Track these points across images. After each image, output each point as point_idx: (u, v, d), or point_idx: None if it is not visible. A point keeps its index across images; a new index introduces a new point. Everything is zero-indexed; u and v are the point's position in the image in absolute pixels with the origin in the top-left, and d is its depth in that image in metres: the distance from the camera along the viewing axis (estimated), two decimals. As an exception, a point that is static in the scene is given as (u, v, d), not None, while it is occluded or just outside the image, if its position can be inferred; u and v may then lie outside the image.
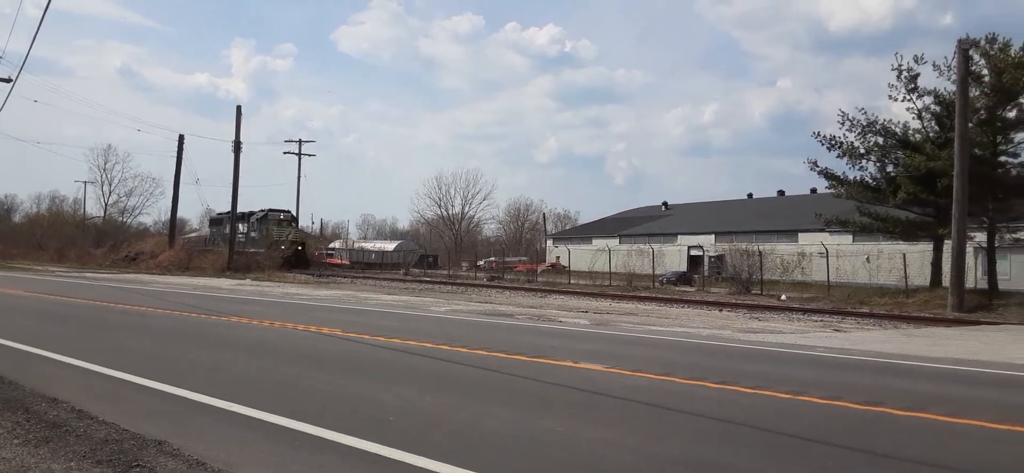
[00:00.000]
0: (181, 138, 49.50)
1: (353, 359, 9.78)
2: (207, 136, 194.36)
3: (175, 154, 49.85)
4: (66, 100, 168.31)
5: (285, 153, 65.20)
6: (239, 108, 45.40)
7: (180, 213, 66.15)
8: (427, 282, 36.30)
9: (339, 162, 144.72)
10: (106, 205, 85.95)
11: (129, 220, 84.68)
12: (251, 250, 49.04)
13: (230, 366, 8.85)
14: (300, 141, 64.60)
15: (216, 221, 57.93)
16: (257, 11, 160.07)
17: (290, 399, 6.67)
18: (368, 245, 73.30)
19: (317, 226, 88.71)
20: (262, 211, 53.11)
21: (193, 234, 68.31)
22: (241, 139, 44.65)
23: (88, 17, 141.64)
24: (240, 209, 52.39)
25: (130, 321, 14.51)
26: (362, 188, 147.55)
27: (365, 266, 58.06)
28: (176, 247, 50.39)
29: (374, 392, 7.18)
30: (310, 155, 72.69)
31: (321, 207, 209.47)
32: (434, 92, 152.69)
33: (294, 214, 54.85)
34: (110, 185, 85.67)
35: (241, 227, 51.64)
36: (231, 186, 45.40)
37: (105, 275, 36.98)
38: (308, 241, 55.48)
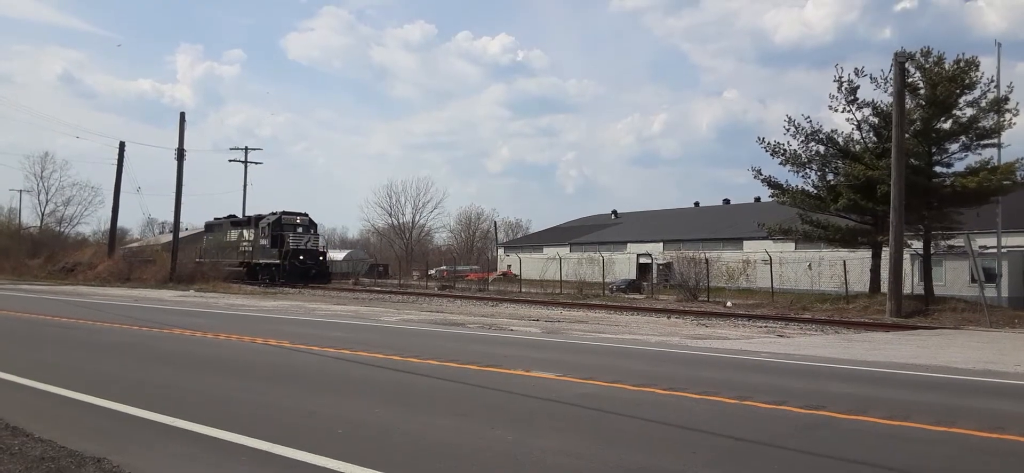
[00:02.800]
0: (121, 145, 48.03)
1: (301, 371, 9.64)
2: (151, 144, 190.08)
3: (115, 162, 48.42)
4: (2, 106, 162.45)
5: (231, 161, 64.00)
6: (182, 115, 44.26)
7: (121, 222, 64.27)
8: (377, 292, 35.99)
9: (287, 170, 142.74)
10: (43, 214, 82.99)
11: (67, 230, 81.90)
12: (263, 261, 42.06)
13: (174, 380, 8.63)
14: (246, 149, 63.34)
15: (214, 227, 50.07)
16: (204, 16, 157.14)
17: (236, 413, 6.54)
18: (317, 254, 72.32)
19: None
20: (274, 214, 44.68)
21: (134, 244, 66.54)
22: (186, 146, 43.51)
23: (27, 22, 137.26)
24: (250, 212, 46.03)
25: (69, 335, 14.05)
26: (311, 197, 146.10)
27: (314, 276, 57.26)
28: (116, 257, 48.83)
29: (323, 404, 7.09)
30: (257, 163, 71.47)
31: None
32: (386, 100, 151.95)
33: (310, 218, 45.82)
34: (47, 194, 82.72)
35: (245, 233, 45.18)
36: (174, 195, 43.88)
37: (42, 287, 35.74)
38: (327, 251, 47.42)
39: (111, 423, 6.13)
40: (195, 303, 25.19)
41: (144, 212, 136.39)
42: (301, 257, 41.49)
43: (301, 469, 4.78)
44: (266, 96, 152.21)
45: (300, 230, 43.22)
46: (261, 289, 38.26)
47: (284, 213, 44.25)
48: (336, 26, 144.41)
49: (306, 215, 45.27)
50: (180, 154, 43.09)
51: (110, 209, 50.10)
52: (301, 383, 8.49)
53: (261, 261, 42.42)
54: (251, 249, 43.86)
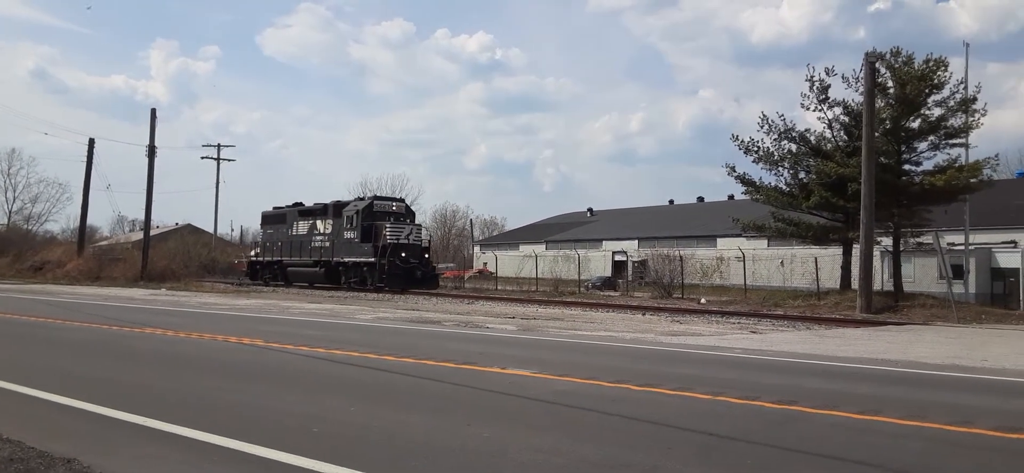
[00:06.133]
0: (91, 142, 47.29)
1: (276, 370, 9.56)
2: (124, 140, 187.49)
3: (85, 159, 47.61)
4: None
5: (203, 158, 63.29)
6: (153, 111, 43.62)
7: (90, 220, 63.46)
8: (353, 289, 35.68)
9: (263, 168, 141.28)
10: (10, 212, 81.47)
11: (35, 228, 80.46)
12: (348, 259, 34.87)
13: (147, 379, 8.52)
14: (218, 146, 62.81)
15: (273, 218, 42.11)
16: (180, 12, 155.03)
17: (210, 412, 6.47)
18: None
19: (236, 233, 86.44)
20: (364, 200, 36.82)
21: (103, 242, 65.56)
22: (158, 144, 42.85)
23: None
24: (329, 199, 38.28)
25: (38, 334, 13.81)
26: (286, 194, 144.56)
27: (288, 274, 56.65)
28: (86, 256, 48.03)
29: (298, 403, 7.04)
30: (230, 160, 70.68)
31: (242, 214, 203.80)
32: (363, 98, 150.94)
33: (409, 205, 37.61)
34: (14, 191, 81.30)
35: (320, 225, 37.44)
36: (145, 192, 43.20)
37: (9, 286, 35.07)
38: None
39: (82, 423, 6.04)
40: (167, 302, 24.89)
41: (114, 210, 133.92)
42: (403, 254, 33.38)
43: (276, 469, 4.74)
44: (242, 93, 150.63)
45: (397, 220, 35.09)
46: (234, 287, 37.27)
47: (376, 198, 36.60)
48: (314, 23, 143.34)
49: (403, 201, 37.77)
50: (151, 151, 42.53)
51: (79, 207, 49.35)
52: (275, 382, 8.43)
53: (346, 259, 35.07)
54: (330, 245, 36.27)
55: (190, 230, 69.10)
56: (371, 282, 33.21)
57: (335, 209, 36.72)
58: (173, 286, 36.06)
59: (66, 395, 6.94)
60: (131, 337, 13.32)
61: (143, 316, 17.97)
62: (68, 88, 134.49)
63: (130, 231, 79.29)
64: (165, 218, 78.57)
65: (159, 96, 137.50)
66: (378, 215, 34.80)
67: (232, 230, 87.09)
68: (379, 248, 33.06)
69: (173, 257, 46.59)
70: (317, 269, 36.58)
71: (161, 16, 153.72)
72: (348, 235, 35.12)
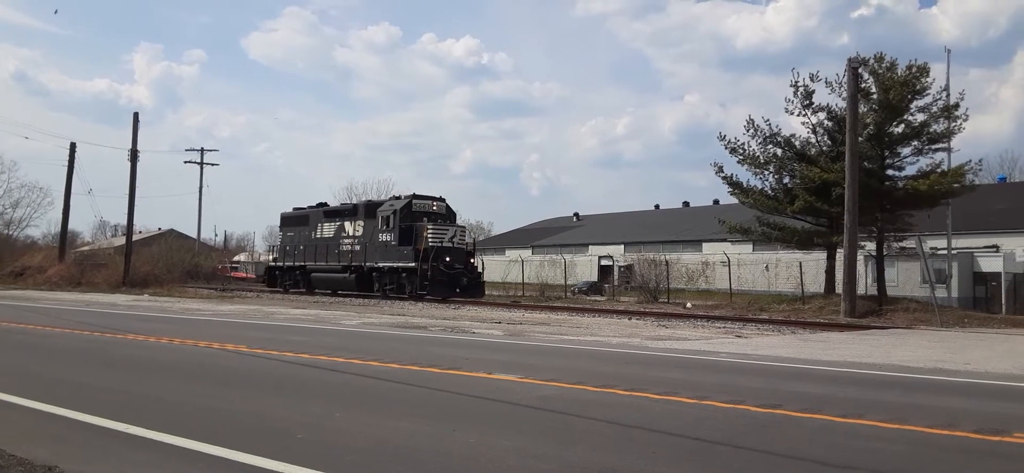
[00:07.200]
0: (73, 146, 46.89)
1: (260, 376, 9.49)
2: (106, 145, 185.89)
3: (66, 163, 47.17)
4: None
5: (187, 162, 62.93)
6: (136, 115, 43.30)
7: (72, 225, 62.85)
8: (338, 295, 35.44)
9: (248, 172, 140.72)
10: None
11: (16, 233, 79.54)
12: (384, 264, 32.04)
13: (129, 386, 8.43)
14: (202, 150, 62.49)
15: (293, 220, 39.32)
16: (164, 15, 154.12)
17: (193, 418, 6.41)
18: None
19: (220, 239, 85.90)
20: (400, 198, 33.24)
21: (85, 247, 64.98)
22: (141, 148, 42.56)
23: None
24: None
25: (19, 340, 13.65)
26: (271, 199, 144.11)
27: (272, 279, 56.29)
28: (67, 261, 47.58)
29: (282, 409, 6.98)
30: (213, 164, 70.30)
31: (226, 219, 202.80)
32: (349, 102, 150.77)
33: (449, 205, 33.81)
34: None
35: (348, 227, 34.67)
36: (128, 197, 42.80)
37: (-12, 292, 34.67)
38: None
39: (63, 429, 5.96)
40: (149, 307, 24.68)
41: (96, 215, 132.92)
42: (447, 259, 30.56)
43: (260, 475, 4.70)
44: (226, 97, 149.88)
45: (438, 221, 32.20)
46: (217, 292, 36.66)
47: (415, 196, 32.76)
48: (299, 26, 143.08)
49: (443, 200, 33.45)
50: (133, 155, 42.21)
51: (61, 212, 48.87)
52: (259, 388, 8.37)
53: (380, 264, 32.26)
54: (361, 248, 33.55)
55: (174, 235, 68.59)
56: (410, 289, 30.70)
57: (367, 209, 34.36)
58: (156, 292, 35.75)
59: (47, 402, 6.86)
60: (113, 343, 13.19)
61: (125, 322, 17.81)
62: (50, 91, 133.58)
63: (112, 236, 78.66)
64: (148, 223, 78.11)
65: (143, 100, 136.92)
66: (417, 215, 31.80)
67: (216, 235, 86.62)
68: (420, 252, 30.22)
69: (156, 262, 46.16)
70: (346, 275, 33.99)
71: (145, 19, 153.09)
72: (383, 237, 32.25)
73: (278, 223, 41.43)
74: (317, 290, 35.94)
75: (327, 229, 36.19)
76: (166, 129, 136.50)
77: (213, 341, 13.04)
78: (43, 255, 52.02)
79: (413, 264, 30.37)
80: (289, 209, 40.60)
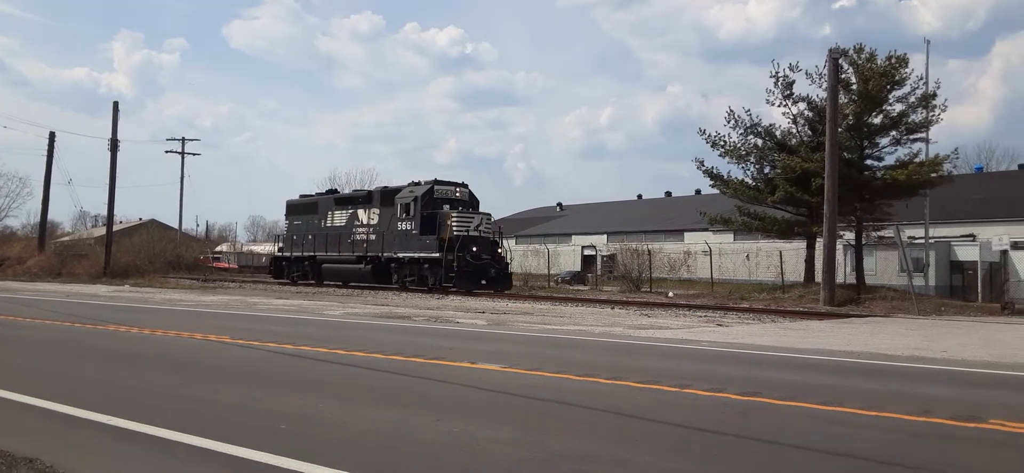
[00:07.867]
0: (52, 136, 46.34)
1: (243, 366, 9.47)
2: (86, 134, 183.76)
3: (45, 153, 46.60)
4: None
5: (168, 152, 62.32)
6: (116, 104, 42.88)
7: (52, 216, 62.25)
8: (322, 285, 35.30)
9: (229, 162, 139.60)
10: (-34, 208, 79.43)
11: (-6, 223, 78.59)
12: (404, 255, 30.05)
13: (110, 377, 8.39)
14: (183, 139, 61.93)
15: (301, 208, 37.47)
16: (143, 2, 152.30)
17: (174, 410, 6.39)
18: (257, 248, 70.62)
19: (202, 229, 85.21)
20: (422, 184, 30.80)
21: (65, 237, 64.30)
22: (121, 137, 42.12)
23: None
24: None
25: (1, 332, 13.52)
26: (253, 189, 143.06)
27: (255, 269, 56.07)
28: (47, 252, 47.09)
29: (265, 400, 6.98)
30: (194, 154, 69.69)
31: (208, 209, 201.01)
32: (332, 91, 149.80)
33: (471, 191, 31.75)
34: (-30, 186, 79.20)
35: (362, 215, 32.93)
36: (108, 187, 42.36)
37: (-35, 283, 34.26)
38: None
39: (44, 422, 5.93)
40: (131, 298, 24.49)
41: (76, 205, 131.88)
42: (474, 249, 28.75)
43: (242, 466, 4.70)
44: (207, 86, 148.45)
45: (462, 208, 30.49)
46: (199, 283, 36.40)
47: (437, 182, 30.80)
48: (281, 14, 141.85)
49: (466, 186, 31.39)
50: (113, 145, 41.80)
51: (40, 202, 48.31)
52: (242, 379, 8.35)
53: (400, 255, 30.24)
54: (377, 238, 31.56)
55: (155, 225, 67.96)
56: (434, 281, 28.98)
57: (383, 196, 32.12)
58: (137, 282, 35.45)
59: (28, 394, 6.81)
60: (94, 335, 13.09)
61: (106, 313, 17.67)
62: (28, 80, 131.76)
63: (93, 227, 77.78)
64: (129, 213, 77.22)
65: (123, 89, 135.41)
66: (438, 202, 29.96)
67: (198, 225, 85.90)
68: (444, 241, 28.33)
69: (137, 253, 45.74)
70: (361, 266, 31.96)
71: (125, 7, 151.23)
72: (403, 226, 30.16)
73: (284, 211, 40.04)
74: (327, 282, 34.34)
75: (338, 217, 34.54)
76: (147, 118, 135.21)
77: (196, 332, 12.98)
78: (22, 245, 51.47)
79: (437, 255, 28.62)
80: (296, 196, 39.04)
